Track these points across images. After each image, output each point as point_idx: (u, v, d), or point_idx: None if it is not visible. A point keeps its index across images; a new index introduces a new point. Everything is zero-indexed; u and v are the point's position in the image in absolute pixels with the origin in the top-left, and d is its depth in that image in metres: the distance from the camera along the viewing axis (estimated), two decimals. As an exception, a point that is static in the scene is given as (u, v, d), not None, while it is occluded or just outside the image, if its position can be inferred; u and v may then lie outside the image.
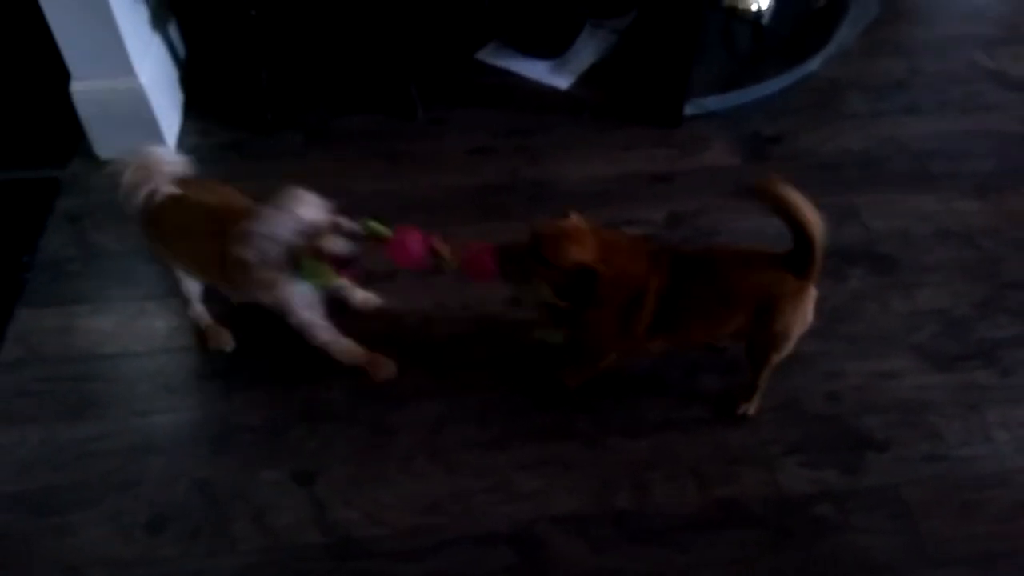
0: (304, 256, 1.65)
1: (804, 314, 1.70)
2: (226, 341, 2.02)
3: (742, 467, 1.83)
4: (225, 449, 1.86)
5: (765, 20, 2.81)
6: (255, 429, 1.89)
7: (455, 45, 2.92)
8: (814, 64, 2.80)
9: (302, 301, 1.79)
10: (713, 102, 2.64)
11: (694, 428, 1.90)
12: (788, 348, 1.75)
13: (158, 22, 2.49)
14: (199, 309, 2.01)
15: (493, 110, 2.69)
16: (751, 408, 1.91)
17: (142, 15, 2.40)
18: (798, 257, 1.61)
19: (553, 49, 2.86)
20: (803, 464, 1.84)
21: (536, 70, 2.83)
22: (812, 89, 2.78)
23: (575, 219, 1.66)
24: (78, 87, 2.32)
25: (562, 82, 2.79)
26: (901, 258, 2.26)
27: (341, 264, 1.67)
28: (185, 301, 2.00)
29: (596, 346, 1.80)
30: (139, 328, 2.07)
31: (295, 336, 1.85)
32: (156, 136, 2.43)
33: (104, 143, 2.44)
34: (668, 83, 2.59)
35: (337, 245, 1.64)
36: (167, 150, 1.85)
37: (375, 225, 1.72)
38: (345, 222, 1.67)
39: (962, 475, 1.82)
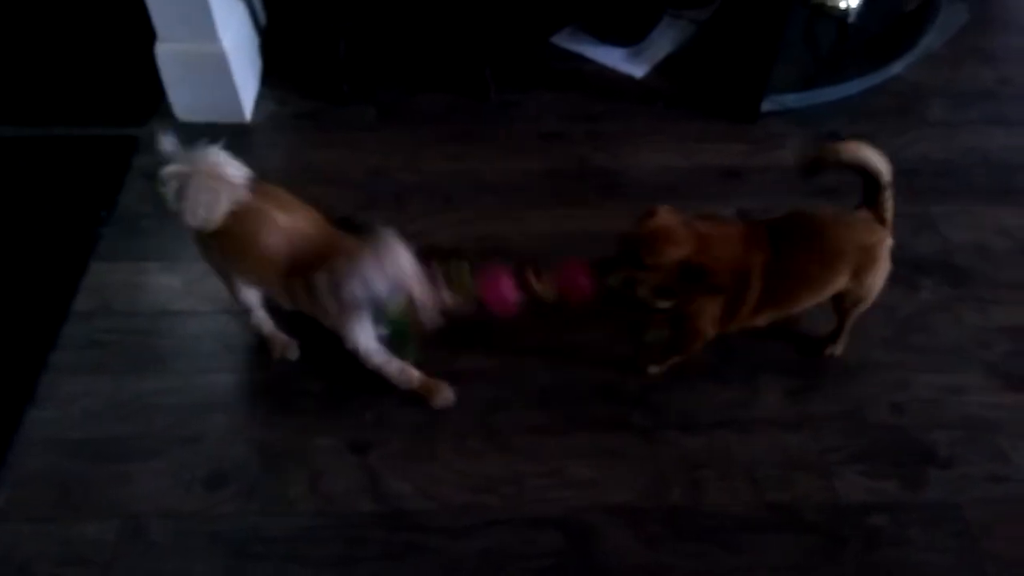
0: (392, 310, 1.65)
1: (888, 262, 1.76)
2: (291, 350, 1.97)
3: (799, 472, 1.80)
4: (285, 412, 1.89)
5: (852, 18, 2.74)
6: (315, 395, 1.91)
7: (531, 28, 2.90)
8: (898, 67, 2.72)
9: (366, 331, 1.75)
10: (791, 99, 2.59)
11: (752, 429, 1.87)
12: (874, 297, 1.82)
13: (242, -11, 2.53)
14: (261, 315, 1.93)
15: (566, 95, 2.67)
16: (838, 349, 1.95)
17: (228, -19, 2.43)
18: (873, 206, 1.71)
19: (630, 37, 2.83)
20: (863, 474, 1.80)
21: (611, 57, 2.81)
22: (894, 93, 2.70)
23: (664, 214, 1.64)
24: (163, 48, 2.36)
25: (637, 70, 2.76)
26: (977, 272, 2.19)
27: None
28: (243, 311, 1.92)
29: (698, 333, 1.79)
30: (207, 288, 2.09)
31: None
32: (234, 101, 2.47)
33: (183, 105, 2.49)
34: (747, 77, 2.54)
35: (427, 316, 1.64)
36: (226, 154, 1.65)
37: (462, 276, 1.69)
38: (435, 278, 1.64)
39: (1028, 499, 1.78)
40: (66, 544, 1.68)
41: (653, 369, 1.95)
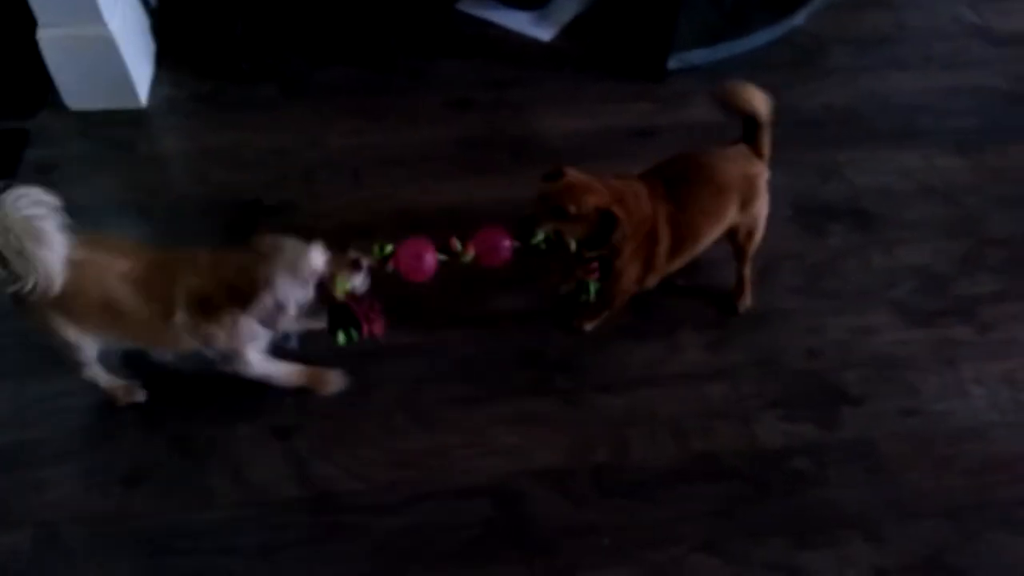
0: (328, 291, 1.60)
1: (767, 193, 1.86)
2: (136, 393, 1.84)
3: (720, 421, 1.84)
4: (202, 403, 1.84)
5: (752, -28, 2.77)
6: (233, 383, 1.85)
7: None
8: (799, 18, 2.75)
9: (256, 343, 1.70)
10: (697, 56, 2.60)
11: (672, 383, 1.90)
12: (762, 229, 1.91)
13: (128, -33, 2.42)
14: (95, 370, 1.77)
15: (474, 62, 2.63)
16: (747, 300, 2.00)
17: (111, -40, 2.32)
18: (752, 142, 1.80)
19: (534, 0, 2.80)
20: (781, 419, 1.84)
21: (518, 21, 2.77)
22: (797, 44, 2.74)
23: (573, 172, 1.69)
24: (45, 35, 2.25)
25: (544, 34, 2.74)
26: (883, 215, 2.25)
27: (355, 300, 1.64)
28: (74, 367, 1.74)
29: (623, 289, 1.85)
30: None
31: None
32: (127, 86, 2.37)
33: (73, 93, 2.38)
34: (652, 36, 2.54)
35: (356, 282, 1.61)
36: (36, 200, 1.48)
37: (382, 248, 1.66)
38: (353, 253, 1.60)
39: (937, 429, 1.84)
40: (-23, 557, 1.62)
41: (588, 326, 1.97)
